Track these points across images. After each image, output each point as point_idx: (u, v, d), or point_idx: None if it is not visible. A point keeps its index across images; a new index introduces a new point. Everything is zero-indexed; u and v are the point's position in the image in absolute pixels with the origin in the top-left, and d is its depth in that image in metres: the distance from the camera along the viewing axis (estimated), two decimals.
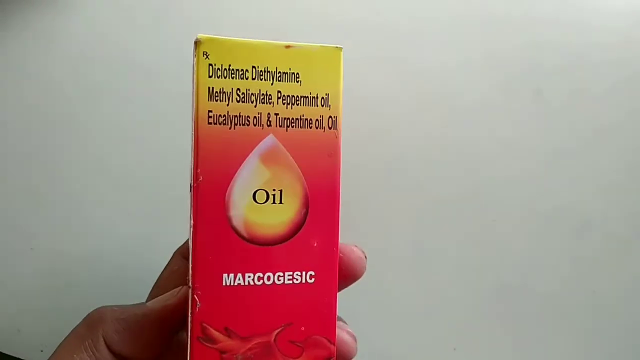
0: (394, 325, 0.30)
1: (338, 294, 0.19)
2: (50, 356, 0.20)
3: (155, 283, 0.24)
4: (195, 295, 0.18)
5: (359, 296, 0.29)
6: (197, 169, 0.18)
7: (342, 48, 0.18)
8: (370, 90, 0.30)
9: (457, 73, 0.31)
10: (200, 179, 0.18)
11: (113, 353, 0.20)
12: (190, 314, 0.18)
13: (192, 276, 0.18)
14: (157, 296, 0.21)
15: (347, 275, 0.20)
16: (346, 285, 0.20)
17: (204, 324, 0.18)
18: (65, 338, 0.20)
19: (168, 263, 0.25)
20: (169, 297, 0.21)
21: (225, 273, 0.18)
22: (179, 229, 0.25)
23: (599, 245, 0.31)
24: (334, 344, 0.19)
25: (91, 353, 0.19)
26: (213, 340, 0.18)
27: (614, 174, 0.31)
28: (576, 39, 0.31)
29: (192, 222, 0.18)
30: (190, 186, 0.18)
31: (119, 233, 0.30)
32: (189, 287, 0.18)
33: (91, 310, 0.21)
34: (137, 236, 0.30)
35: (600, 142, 0.31)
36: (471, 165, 0.31)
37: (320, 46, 0.18)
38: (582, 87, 0.31)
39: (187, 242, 0.25)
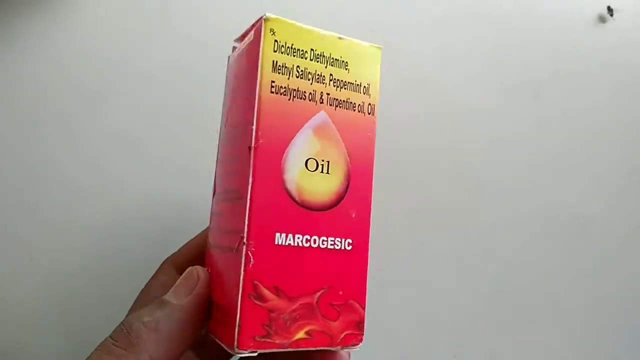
0: (394, 333, 0.30)
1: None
2: None
3: (141, 293, 0.23)
4: (249, 252, 0.18)
5: None
6: (258, 132, 0.19)
7: (382, 47, 0.21)
8: None
9: (456, 76, 0.32)
10: (261, 141, 0.19)
11: None
12: (243, 271, 0.18)
13: (247, 233, 0.18)
14: (144, 306, 0.19)
15: None
16: None
17: (256, 282, 0.18)
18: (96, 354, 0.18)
19: (156, 273, 0.24)
20: (194, 286, 0.20)
21: (278, 232, 0.18)
22: (178, 246, 0.25)
23: (598, 246, 0.31)
24: (364, 309, 0.20)
25: None
26: (263, 299, 0.18)
27: (613, 174, 0.32)
28: (576, 40, 0.33)
29: (250, 180, 0.18)
30: (250, 147, 0.19)
31: (119, 243, 0.28)
32: (243, 243, 0.18)
33: (99, 320, 0.20)
34: (137, 245, 0.29)
35: (600, 143, 0.32)
36: (471, 167, 0.31)
37: (367, 43, 0.21)
38: (582, 89, 0.32)
39: (179, 251, 0.25)
